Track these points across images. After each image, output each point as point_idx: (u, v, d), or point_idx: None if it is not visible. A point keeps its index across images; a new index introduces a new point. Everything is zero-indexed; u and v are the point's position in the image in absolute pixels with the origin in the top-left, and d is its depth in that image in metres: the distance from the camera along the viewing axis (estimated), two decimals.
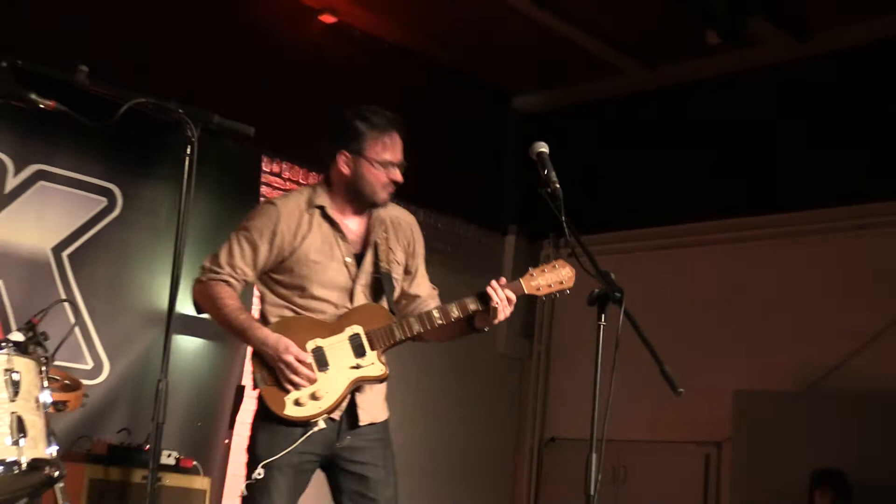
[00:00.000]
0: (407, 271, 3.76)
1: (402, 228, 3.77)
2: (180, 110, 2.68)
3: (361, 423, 3.55)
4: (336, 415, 3.51)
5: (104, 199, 5.65)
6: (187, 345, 5.86)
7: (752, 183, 6.71)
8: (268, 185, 6.30)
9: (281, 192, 6.60)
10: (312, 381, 3.40)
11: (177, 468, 5.05)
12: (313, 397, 3.41)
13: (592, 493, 2.96)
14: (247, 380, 6.24)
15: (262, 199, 6.38)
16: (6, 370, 2.82)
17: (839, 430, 5.90)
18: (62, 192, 5.51)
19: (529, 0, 6.18)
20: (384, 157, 3.52)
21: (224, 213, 5.90)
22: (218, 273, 3.48)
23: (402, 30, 6.82)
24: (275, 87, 6.12)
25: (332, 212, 3.59)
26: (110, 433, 5.16)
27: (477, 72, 7.37)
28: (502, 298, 3.46)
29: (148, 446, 4.74)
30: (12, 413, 2.78)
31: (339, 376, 3.47)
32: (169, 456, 5.01)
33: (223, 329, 3.79)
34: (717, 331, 6.45)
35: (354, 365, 3.47)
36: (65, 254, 5.49)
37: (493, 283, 3.51)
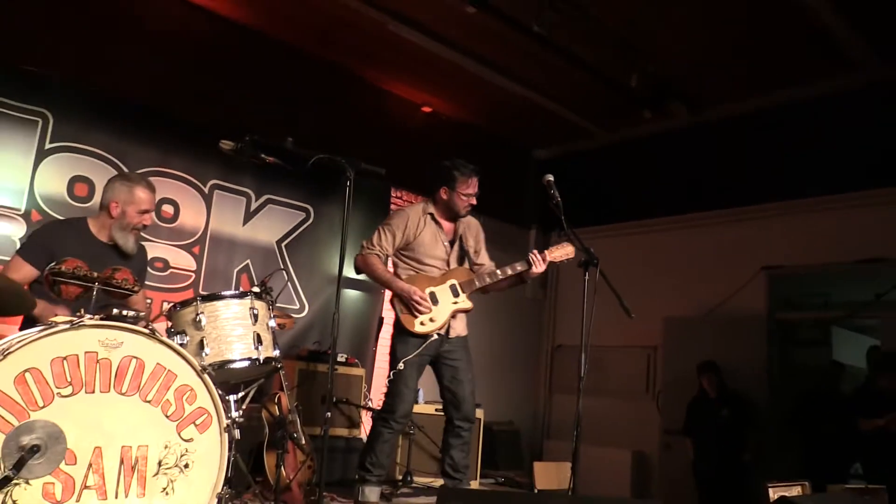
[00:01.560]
0: (476, 251, 4.17)
1: (473, 228, 4.19)
2: (343, 160, 3.13)
3: (452, 336, 3.98)
4: (441, 331, 3.92)
5: (303, 213, 6.18)
6: (350, 294, 6.31)
7: (667, 195, 7.17)
8: (394, 203, 6.85)
9: (401, 209, 6.44)
10: (430, 311, 3.88)
11: (345, 363, 5.47)
12: (431, 320, 3.88)
13: (582, 375, 3.43)
14: (385, 314, 6.47)
15: (391, 210, 6.67)
16: (250, 308, 3.08)
17: (722, 339, 6.34)
18: (281, 210, 6.03)
19: (539, 94, 6.71)
20: (467, 192, 4.00)
21: (368, 220, 6.25)
22: (371, 249, 3.98)
23: (467, 112, 7.34)
24: (397, 145, 6.51)
25: (437, 217, 4.05)
26: (309, 343, 5.67)
27: (511, 136, 7.82)
28: (538, 261, 3.93)
29: (329, 350, 4.87)
30: (254, 331, 3.04)
31: (444, 308, 3.93)
32: (341, 356, 5.47)
33: (375, 282, 4.22)
34: (652, 282, 6.83)
35: (454, 301, 3.96)
36: (283, 244, 6.04)
37: (532, 252, 3.98)
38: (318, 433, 4.56)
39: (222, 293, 3.05)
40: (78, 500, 2.35)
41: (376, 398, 5.77)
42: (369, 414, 5.24)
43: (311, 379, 5.11)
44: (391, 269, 4.07)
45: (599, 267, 3.54)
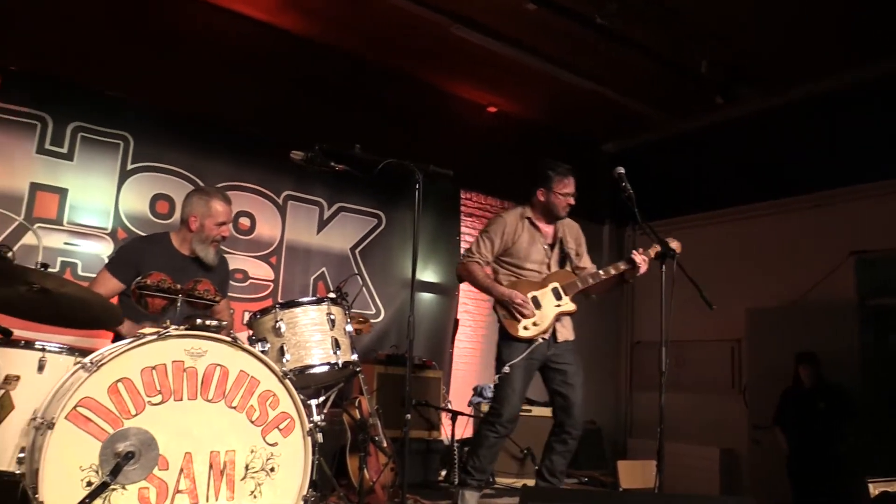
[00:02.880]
0: (577, 254, 4.11)
1: (573, 230, 4.15)
2: (411, 164, 3.14)
3: (560, 340, 3.92)
4: (546, 335, 3.86)
5: (375, 220, 6.28)
6: (424, 297, 6.39)
7: (744, 182, 6.93)
8: (464, 206, 6.87)
9: (471, 212, 7.05)
10: (533, 315, 3.82)
11: (423, 366, 5.53)
12: (534, 325, 3.83)
13: (664, 371, 3.36)
14: (460, 316, 6.60)
15: (461, 212, 6.91)
16: (327, 313, 3.11)
17: (809, 328, 6.11)
18: (353, 217, 6.15)
19: (605, 86, 6.57)
20: (564, 191, 3.95)
21: (439, 223, 6.47)
22: (471, 257, 3.96)
23: (533, 110, 7.27)
24: (464, 147, 6.54)
25: (535, 220, 4.00)
26: (386, 348, 5.75)
27: (578, 131, 7.70)
28: (643, 260, 3.84)
29: (406, 353, 5.05)
30: (332, 336, 3.08)
31: (548, 311, 3.87)
32: (418, 359, 5.53)
33: (478, 290, 4.09)
34: (732, 273, 6.60)
35: (556, 304, 3.89)
36: (356, 251, 6.16)
37: (635, 251, 3.88)
38: (399, 435, 4.59)
39: (300, 300, 3.11)
40: None
41: (455, 400, 5.86)
42: (448, 416, 5.29)
43: (389, 382, 5.18)
44: (493, 276, 4.06)
45: (677, 259, 3.51)
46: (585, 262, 4.13)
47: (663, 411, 3.33)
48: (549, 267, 3.98)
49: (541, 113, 7.36)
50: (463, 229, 6.91)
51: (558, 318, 3.89)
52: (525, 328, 3.81)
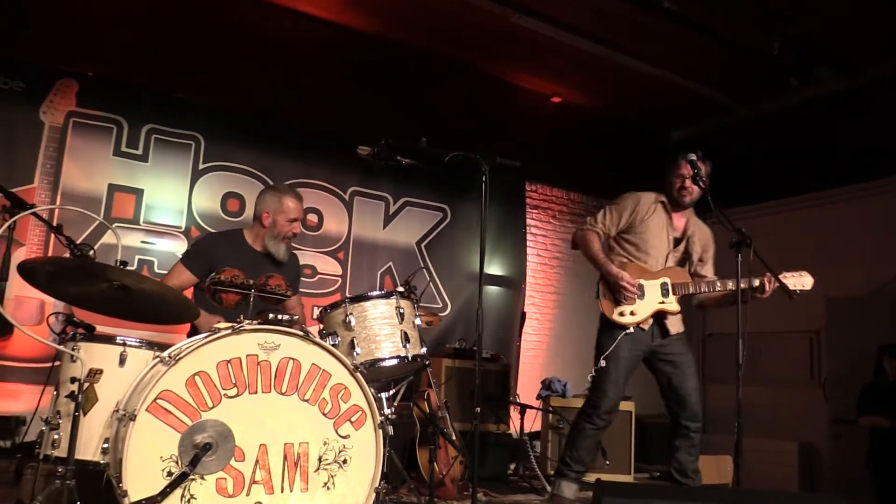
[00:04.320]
0: (701, 259, 3.92)
1: (704, 235, 3.96)
2: (477, 156, 3.13)
3: (673, 333, 3.82)
4: (645, 326, 3.72)
5: (440, 213, 6.33)
6: (491, 290, 6.38)
7: (822, 166, 6.64)
8: (529, 198, 6.83)
9: (536, 204, 6.97)
10: (634, 302, 3.72)
11: (491, 359, 5.44)
12: (631, 313, 3.73)
13: (741, 362, 3.22)
14: (527, 308, 6.60)
15: (526, 204, 6.87)
16: (396, 307, 3.11)
17: (893, 319, 5.89)
18: (418, 212, 6.21)
19: (672, 73, 6.44)
20: (681, 173, 3.78)
21: (504, 216, 6.42)
22: (592, 226, 3.85)
23: (599, 99, 7.14)
24: (529, 139, 6.48)
25: (668, 207, 3.86)
26: (453, 341, 5.72)
27: (646, 119, 7.55)
28: (769, 284, 3.60)
29: (474, 347, 4.98)
30: (401, 330, 3.07)
31: (649, 304, 3.75)
32: (486, 352, 5.46)
33: (587, 259, 3.89)
34: (809, 261, 6.43)
35: (661, 301, 3.76)
36: (422, 245, 6.21)
37: (767, 275, 3.58)
38: (467, 429, 4.63)
39: (369, 294, 3.12)
40: (248, 495, 2.49)
41: (522, 393, 5.79)
42: (517, 409, 5.23)
43: (457, 375, 5.18)
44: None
45: (754, 248, 3.32)
46: (708, 270, 3.95)
47: (741, 405, 3.23)
48: (667, 259, 3.84)
49: (606, 102, 7.25)
50: (529, 221, 6.89)
51: (657, 314, 3.76)
52: (621, 314, 3.73)
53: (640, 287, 3.74)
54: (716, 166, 3.95)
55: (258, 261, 3.50)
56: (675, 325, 3.83)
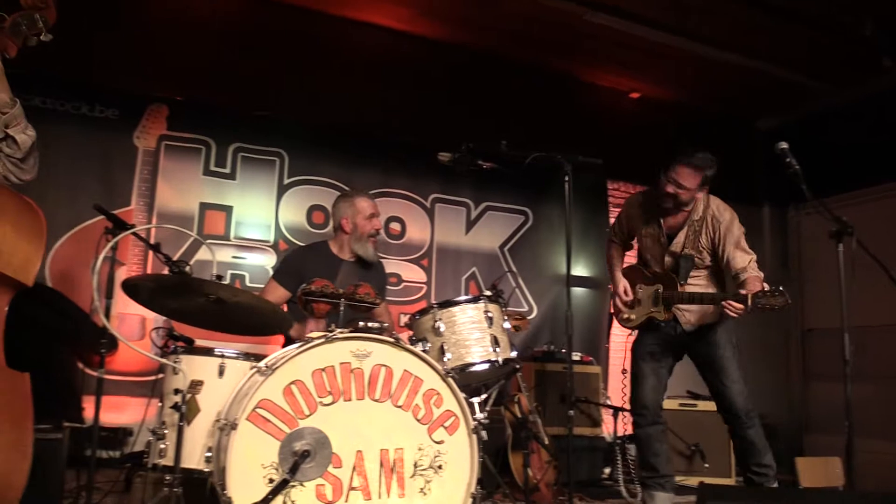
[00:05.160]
0: (715, 253, 3.69)
1: (710, 226, 3.68)
2: (559, 156, 3.12)
3: (687, 330, 3.71)
4: (668, 317, 3.68)
5: (522, 216, 6.27)
6: (578, 292, 6.27)
7: None
8: (611, 196, 6.74)
9: (619, 202, 6.66)
10: (627, 310, 3.82)
11: (581, 362, 5.44)
12: (626, 319, 3.84)
13: (847, 358, 3.11)
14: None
15: (609, 205, 6.69)
16: (484, 311, 3.09)
17: None
18: (500, 216, 6.17)
19: (756, 59, 6.18)
20: (669, 177, 3.60)
21: (587, 216, 6.39)
22: (611, 237, 4.05)
23: (678, 92, 7.00)
24: (608, 137, 6.33)
25: (653, 209, 3.76)
26: (539, 344, 5.69)
27: (729, 109, 7.35)
28: (738, 309, 3.41)
29: (563, 350, 5.23)
30: (490, 334, 3.05)
31: (642, 312, 3.81)
32: (575, 355, 5.39)
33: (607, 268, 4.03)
34: None
35: (651, 310, 3.76)
36: (505, 249, 6.17)
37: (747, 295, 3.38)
38: (559, 433, 4.57)
39: (457, 299, 3.13)
40: (346, 501, 2.53)
41: (613, 396, 5.67)
42: (609, 412, 5.20)
43: (546, 379, 5.17)
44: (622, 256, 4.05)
45: (856, 237, 3.18)
46: (733, 260, 3.62)
47: (850, 404, 3.09)
48: (662, 261, 3.77)
49: (686, 94, 7.07)
50: (612, 221, 6.70)
51: (650, 319, 3.75)
52: (624, 318, 3.87)
53: (637, 293, 3.83)
54: (807, 154, 3.75)
55: (347, 268, 3.57)
56: (694, 317, 3.72)
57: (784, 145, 3.40)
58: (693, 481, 4.85)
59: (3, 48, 2.49)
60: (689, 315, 3.71)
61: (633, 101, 7.02)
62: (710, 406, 4.86)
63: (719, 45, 6.05)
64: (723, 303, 3.43)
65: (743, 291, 3.39)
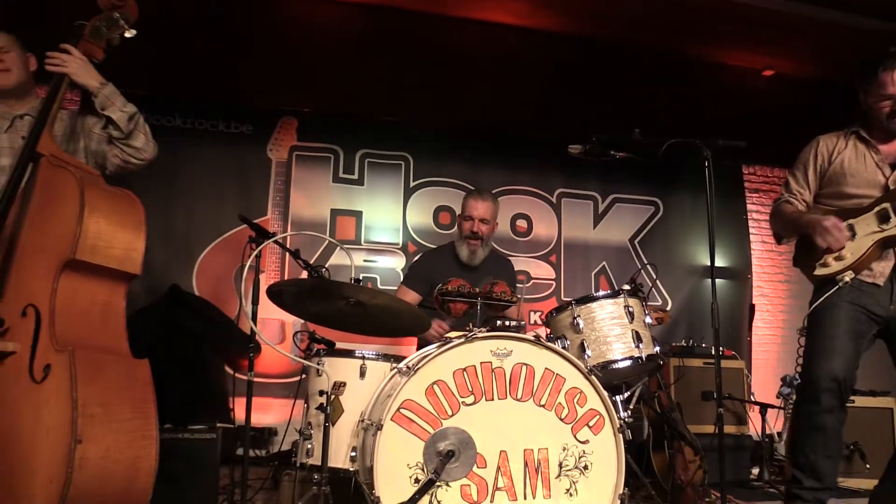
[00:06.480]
0: None
1: None
2: (698, 141, 2.92)
3: None
4: (880, 281, 2.89)
5: (652, 207, 6.10)
6: (717, 283, 6.62)
7: None
8: (747, 181, 6.39)
9: (756, 187, 6.47)
10: (840, 245, 2.89)
11: (722, 356, 4.74)
12: (836, 259, 2.91)
13: None
14: (756, 301, 6.14)
15: (745, 189, 6.39)
16: (625, 306, 2.98)
17: None
18: (629, 207, 6.02)
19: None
20: (885, 91, 2.93)
21: (723, 203, 5.99)
22: (780, 198, 3.17)
23: (815, 67, 6.48)
24: (742, 118, 5.95)
25: (865, 134, 3.04)
26: (676, 339, 5.47)
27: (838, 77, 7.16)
28: None
29: (703, 344, 5.10)
30: (632, 330, 2.94)
31: (861, 241, 2.89)
32: (717, 349, 5.52)
33: (788, 235, 3.21)
34: None
35: (879, 229, 2.86)
36: (636, 241, 6.03)
37: None
38: (700, 431, 4.39)
39: (596, 294, 3.03)
40: (492, 501, 2.50)
41: (758, 391, 5.43)
42: (756, 409, 4.96)
43: (686, 375, 4.92)
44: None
45: None
46: None
47: None
48: (886, 189, 2.91)
49: (823, 68, 6.57)
50: (749, 207, 6.42)
51: (880, 248, 2.87)
52: (824, 264, 2.91)
53: (850, 227, 2.91)
54: None
55: (463, 268, 3.67)
56: None
57: None
58: (853, 483, 4.53)
59: (89, 54, 2.58)
60: None
61: (766, 78, 6.69)
62: (869, 402, 4.73)
63: (860, 11, 5.68)
64: None
65: None
